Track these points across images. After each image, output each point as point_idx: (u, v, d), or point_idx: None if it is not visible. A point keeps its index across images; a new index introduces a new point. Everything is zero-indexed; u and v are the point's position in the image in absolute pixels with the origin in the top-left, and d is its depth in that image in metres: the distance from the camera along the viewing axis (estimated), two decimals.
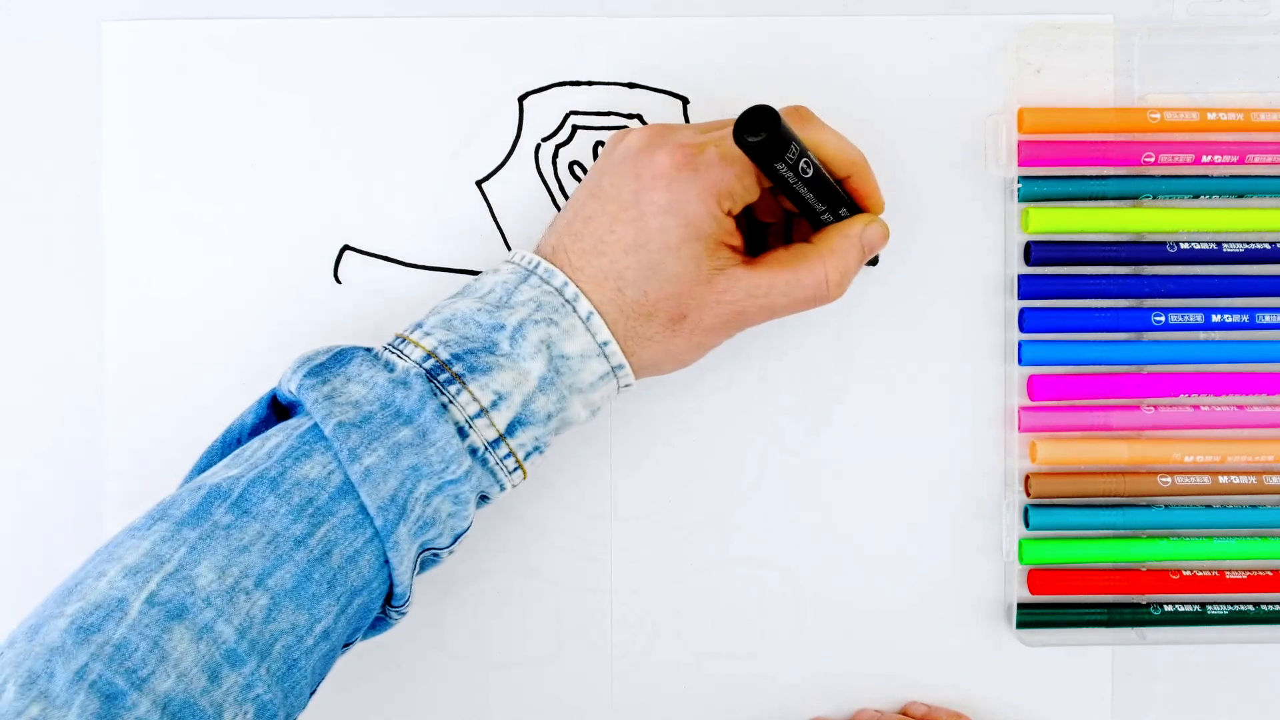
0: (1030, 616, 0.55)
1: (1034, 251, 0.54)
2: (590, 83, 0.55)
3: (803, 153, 0.46)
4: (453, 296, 0.48)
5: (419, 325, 0.47)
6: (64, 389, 0.54)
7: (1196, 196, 0.54)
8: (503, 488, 0.48)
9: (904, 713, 0.55)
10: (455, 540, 0.47)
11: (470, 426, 0.46)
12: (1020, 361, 0.55)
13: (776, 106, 0.45)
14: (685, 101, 0.55)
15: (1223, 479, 0.54)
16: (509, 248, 0.55)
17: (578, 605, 0.55)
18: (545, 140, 0.55)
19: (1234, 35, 0.55)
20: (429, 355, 0.46)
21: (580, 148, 0.55)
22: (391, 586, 0.46)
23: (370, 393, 0.45)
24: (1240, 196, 0.54)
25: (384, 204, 0.54)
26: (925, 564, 0.55)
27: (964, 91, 0.55)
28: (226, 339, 0.54)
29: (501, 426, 0.46)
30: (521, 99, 0.55)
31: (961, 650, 0.56)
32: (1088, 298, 0.55)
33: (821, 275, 0.48)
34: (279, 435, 0.45)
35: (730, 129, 0.45)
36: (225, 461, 0.45)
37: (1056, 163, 0.54)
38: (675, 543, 0.55)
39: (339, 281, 0.54)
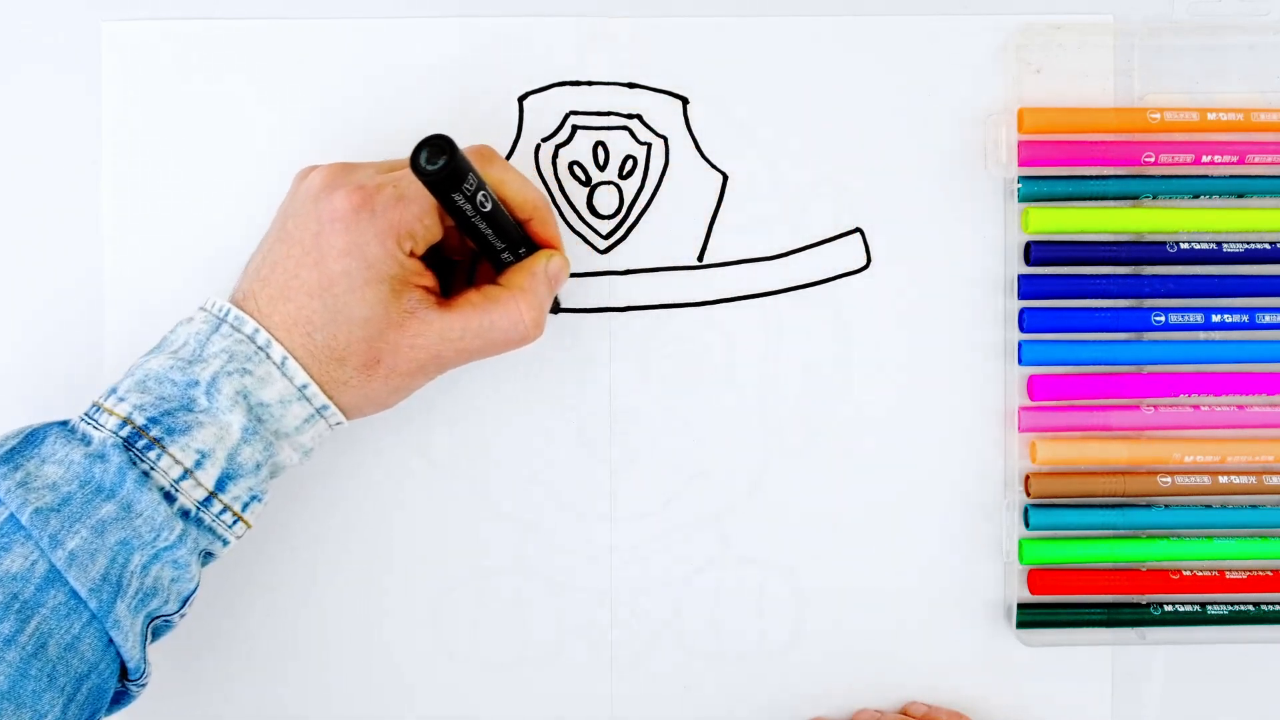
0: (1030, 616, 0.55)
1: (1034, 251, 0.54)
2: (590, 83, 0.55)
3: (480, 185, 0.46)
4: (148, 353, 0.47)
5: (114, 390, 0.46)
6: (65, 389, 0.54)
7: (1196, 196, 0.54)
8: (226, 543, 0.47)
9: (904, 713, 0.55)
10: (184, 604, 0.46)
11: (177, 490, 0.45)
12: (1020, 361, 0.55)
13: (488, 141, 0.47)
14: (685, 101, 0.55)
15: (1223, 479, 0.54)
16: None
17: (578, 605, 0.55)
18: (545, 140, 0.55)
19: (1234, 35, 0.55)
20: (124, 422, 0.45)
21: (580, 148, 0.55)
22: (124, 663, 0.45)
23: (67, 472, 0.44)
24: (1240, 196, 0.54)
25: None
26: (925, 564, 0.55)
27: (964, 91, 0.55)
28: None
29: (210, 484, 0.45)
30: (521, 99, 0.55)
31: (961, 650, 0.56)
32: (1088, 298, 0.55)
33: (517, 316, 0.48)
34: None
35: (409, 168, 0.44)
36: None
37: (1056, 163, 0.54)
38: (675, 543, 0.55)
39: None
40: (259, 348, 0.46)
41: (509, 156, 0.54)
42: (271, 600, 0.55)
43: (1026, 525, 0.55)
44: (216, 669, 0.55)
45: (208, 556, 0.48)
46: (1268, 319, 0.54)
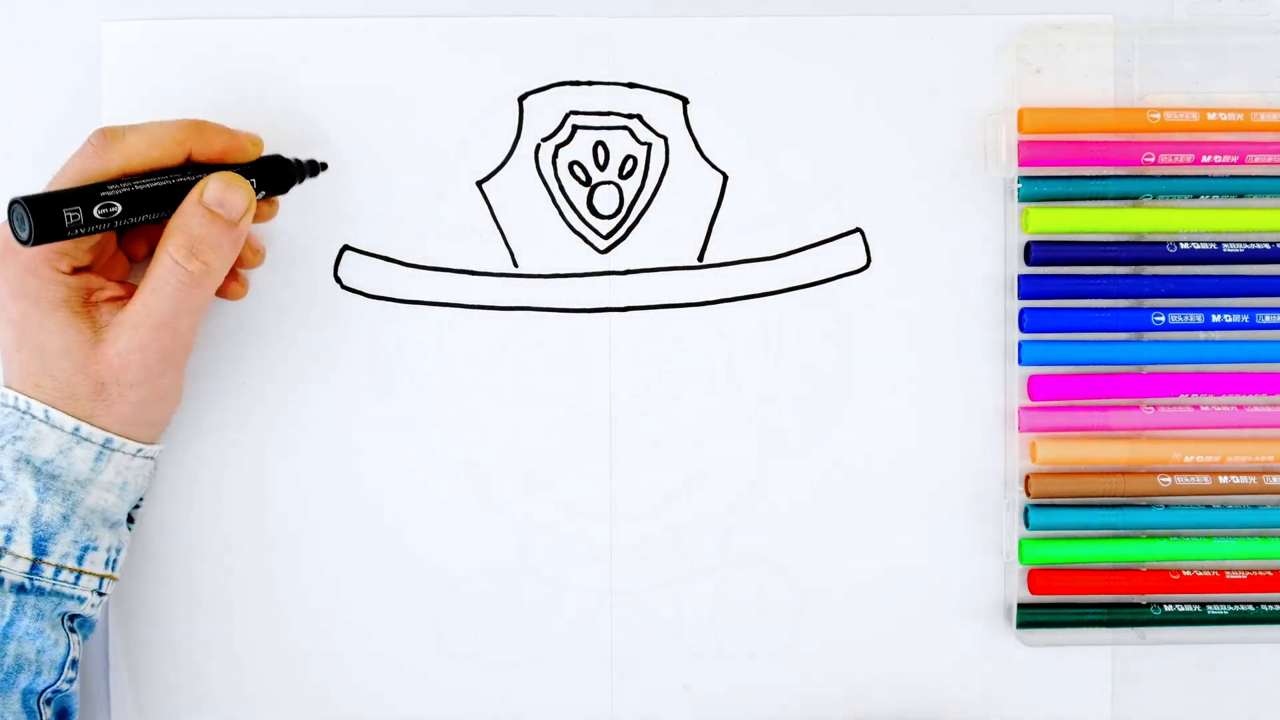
0: (1030, 616, 0.55)
1: (1034, 251, 0.54)
2: (590, 83, 0.55)
3: (92, 200, 0.45)
4: None
5: None
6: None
7: (1196, 196, 0.54)
8: (82, 600, 0.48)
9: None
10: (62, 670, 0.47)
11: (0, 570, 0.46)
12: (1020, 361, 0.55)
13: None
14: (685, 101, 0.55)
15: (1223, 479, 0.54)
16: (509, 248, 0.55)
17: (578, 605, 0.55)
18: (545, 140, 0.55)
19: (1234, 35, 0.55)
20: None
21: (580, 148, 0.55)
22: None
23: None
24: (1240, 196, 0.54)
25: (384, 204, 0.54)
26: (925, 564, 0.55)
27: (964, 91, 0.55)
28: (226, 339, 0.54)
29: (27, 552, 0.46)
30: (521, 99, 0.55)
31: (961, 650, 0.56)
32: (1088, 298, 0.55)
33: (168, 263, 0.47)
34: None
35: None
36: None
37: (1056, 163, 0.54)
38: (675, 543, 0.55)
39: (339, 281, 0.54)
40: (19, 410, 0.47)
41: (509, 156, 0.54)
42: (271, 600, 0.55)
43: (1026, 525, 0.55)
44: (216, 669, 0.55)
45: (79, 621, 0.49)
46: (1268, 319, 0.54)
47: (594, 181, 0.55)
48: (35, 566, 0.47)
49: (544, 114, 0.54)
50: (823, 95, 0.55)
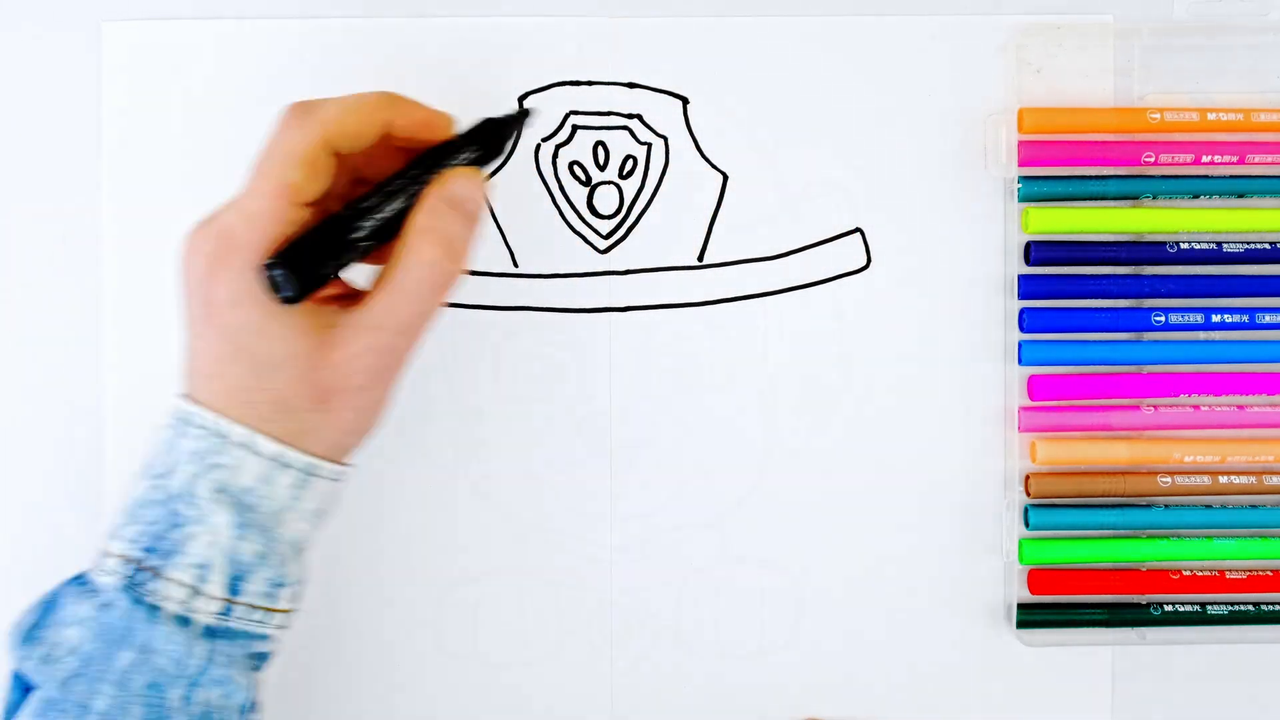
0: (1030, 616, 0.55)
1: (1034, 251, 0.54)
2: (590, 83, 0.55)
3: (353, 228, 0.43)
4: (134, 478, 0.45)
5: (111, 530, 0.44)
6: (63, 389, 0.54)
7: (1196, 196, 0.54)
8: (266, 638, 0.45)
9: None
10: (243, 714, 0.44)
11: (190, 611, 0.43)
12: (1020, 361, 0.55)
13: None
14: (685, 101, 0.55)
15: (1223, 479, 0.54)
16: (509, 248, 0.55)
17: (578, 605, 0.55)
18: (545, 140, 0.55)
19: (1234, 35, 0.55)
20: (125, 560, 0.43)
21: (580, 148, 0.55)
22: None
23: (84, 630, 0.42)
24: (1240, 196, 0.54)
25: None
26: (925, 564, 0.55)
27: (964, 91, 0.55)
28: None
29: (222, 593, 0.43)
30: (521, 99, 0.55)
31: (961, 650, 0.56)
32: (1088, 298, 0.55)
33: (421, 264, 0.43)
34: (25, 709, 0.43)
35: (252, 188, 0.42)
36: None
37: (1056, 163, 0.54)
38: (675, 543, 0.55)
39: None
40: (220, 436, 0.43)
41: (509, 157, 0.54)
42: None
43: (1026, 525, 0.55)
44: None
45: (259, 658, 0.46)
46: (1268, 319, 0.54)
47: (594, 181, 0.55)
48: (228, 608, 0.43)
49: (544, 114, 0.54)
50: (822, 95, 0.55)
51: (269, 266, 0.42)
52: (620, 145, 0.55)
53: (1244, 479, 0.54)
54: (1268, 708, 0.56)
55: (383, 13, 0.54)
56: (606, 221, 0.55)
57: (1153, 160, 0.54)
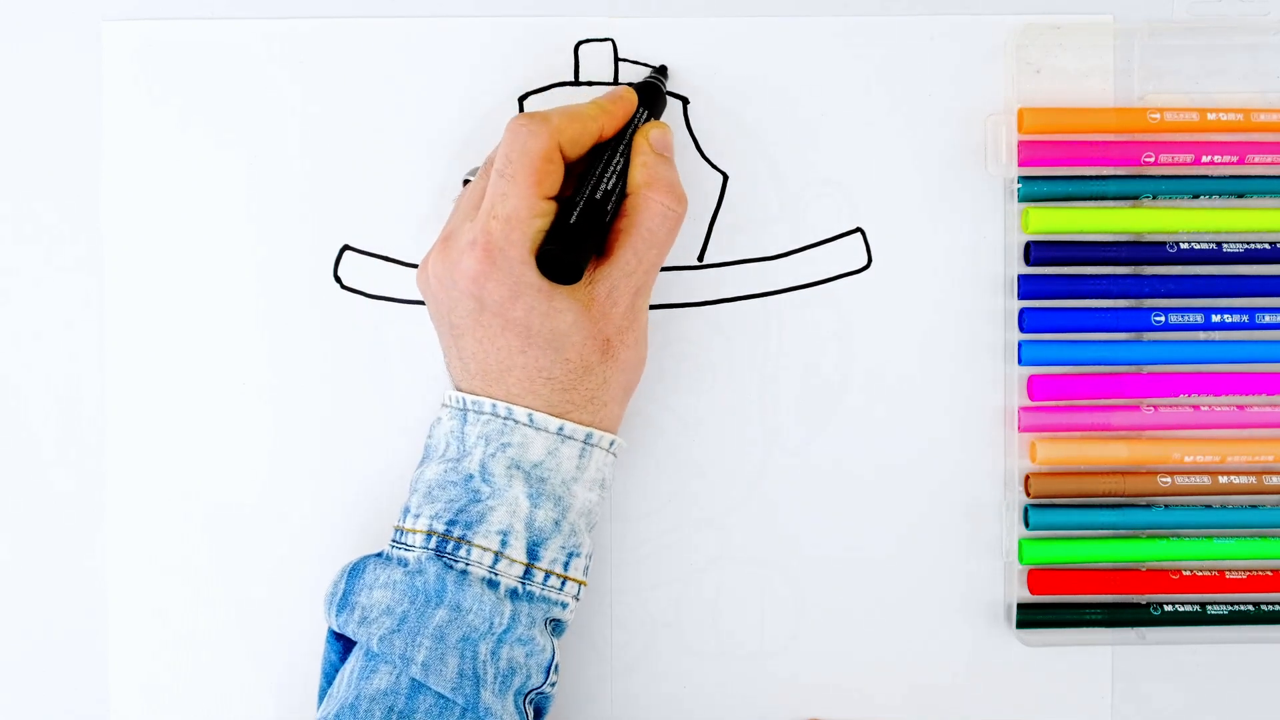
0: (1030, 616, 0.55)
1: (1034, 251, 0.54)
2: (590, 83, 0.55)
3: (607, 203, 0.48)
4: (420, 465, 0.50)
5: (407, 510, 0.49)
6: (64, 389, 0.54)
7: (1196, 196, 0.54)
8: (564, 605, 0.49)
9: None
10: (547, 673, 0.48)
11: (496, 574, 0.47)
12: (1020, 361, 0.55)
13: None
14: (685, 101, 0.55)
15: (1223, 479, 0.54)
16: None
17: (578, 605, 0.55)
18: None
19: (1234, 35, 0.55)
20: (429, 534, 0.48)
21: None
22: None
23: (395, 594, 0.47)
24: (1240, 196, 0.54)
25: (384, 204, 0.54)
26: (925, 564, 0.55)
27: (964, 91, 0.55)
28: (226, 339, 0.54)
29: (522, 557, 0.47)
30: (521, 99, 0.55)
31: (961, 650, 0.56)
32: (1088, 298, 0.55)
33: (661, 210, 0.49)
34: (351, 661, 0.48)
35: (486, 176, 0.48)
36: (324, 703, 0.48)
37: (1056, 163, 0.54)
38: (675, 543, 0.55)
39: (339, 281, 0.54)
40: (505, 418, 0.48)
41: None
42: (271, 600, 0.55)
43: (1026, 525, 0.55)
44: (216, 668, 0.55)
45: (557, 625, 0.50)
46: (1268, 319, 0.54)
47: None
48: (528, 571, 0.48)
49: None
50: (823, 95, 0.55)
51: (548, 255, 0.47)
52: None
53: (1244, 479, 0.54)
54: (1268, 708, 0.56)
55: (383, 13, 0.54)
56: None
57: (1153, 160, 0.54)
